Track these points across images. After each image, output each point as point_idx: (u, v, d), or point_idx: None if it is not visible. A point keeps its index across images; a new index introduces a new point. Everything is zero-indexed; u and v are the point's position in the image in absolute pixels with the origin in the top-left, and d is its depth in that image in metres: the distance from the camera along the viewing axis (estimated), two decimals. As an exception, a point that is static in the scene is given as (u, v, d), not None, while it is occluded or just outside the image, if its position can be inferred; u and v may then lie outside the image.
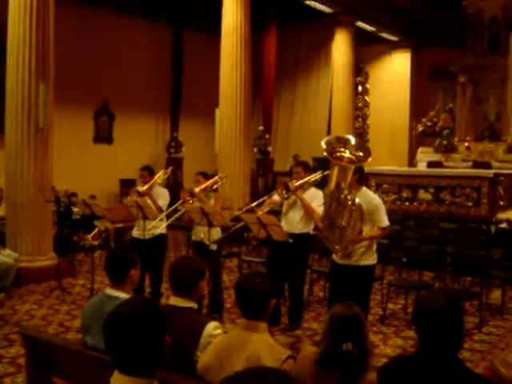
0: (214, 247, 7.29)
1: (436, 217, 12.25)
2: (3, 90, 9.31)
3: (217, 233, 7.38)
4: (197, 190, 7.37)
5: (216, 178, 7.74)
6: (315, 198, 6.86)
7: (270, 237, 6.54)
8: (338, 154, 5.34)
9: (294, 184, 6.80)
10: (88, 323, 3.73)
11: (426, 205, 13.15)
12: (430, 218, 11.94)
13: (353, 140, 5.52)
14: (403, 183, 13.62)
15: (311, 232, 7.07)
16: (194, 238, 7.66)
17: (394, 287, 8.25)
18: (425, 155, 17.02)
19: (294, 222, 6.81)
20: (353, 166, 5.39)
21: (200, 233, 7.29)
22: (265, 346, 3.05)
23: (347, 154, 5.34)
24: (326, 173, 6.97)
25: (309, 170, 7.15)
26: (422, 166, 16.30)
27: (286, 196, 6.86)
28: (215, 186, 7.73)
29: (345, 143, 5.44)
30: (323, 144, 5.38)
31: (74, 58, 14.15)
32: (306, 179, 6.91)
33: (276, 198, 7.11)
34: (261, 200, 7.53)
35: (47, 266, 9.18)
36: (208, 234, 6.98)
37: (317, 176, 7.01)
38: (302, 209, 6.85)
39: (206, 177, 7.69)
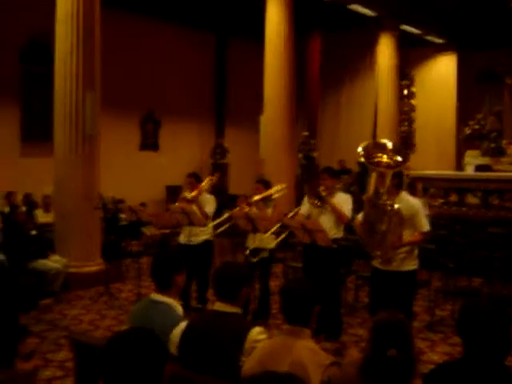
0: (265, 254, 7.30)
1: (484, 221, 12.05)
2: (52, 98, 9.50)
3: (270, 241, 7.38)
4: (255, 198, 7.37)
5: (276, 187, 7.76)
6: (345, 203, 6.89)
7: (315, 242, 6.52)
8: (376, 160, 5.30)
9: (322, 191, 6.80)
10: None
11: (474, 209, 12.93)
12: (478, 223, 11.75)
13: (390, 144, 5.47)
14: (450, 187, 13.43)
15: (341, 237, 7.06)
16: (247, 244, 7.59)
17: (441, 293, 8.14)
18: (472, 158, 16.71)
19: (326, 229, 6.71)
20: (391, 171, 5.34)
21: (256, 240, 7.29)
22: (308, 352, 3.04)
23: (385, 159, 5.30)
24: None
25: (335, 175, 7.19)
26: (470, 170, 16.01)
27: (319, 205, 6.86)
28: (274, 196, 7.72)
29: (382, 148, 5.39)
30: (360, 150, 5.34)
31: (119, 66, 14.34)
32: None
33: (303, 211, 7.11)
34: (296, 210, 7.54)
35: (95, 271, 9.31)
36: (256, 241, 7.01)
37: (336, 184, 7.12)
38: (333, 214, 6.83)
39: (266, 185, 7.70)
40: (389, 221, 5.41)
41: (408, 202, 5.81)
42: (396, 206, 5.42)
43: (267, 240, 7.31)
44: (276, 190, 7.73)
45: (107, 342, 2.23)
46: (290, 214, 7.55)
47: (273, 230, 7.17)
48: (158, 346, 2.24)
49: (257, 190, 7.55)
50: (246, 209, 7.31)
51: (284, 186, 8.21)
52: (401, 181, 5.90)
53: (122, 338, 2.25)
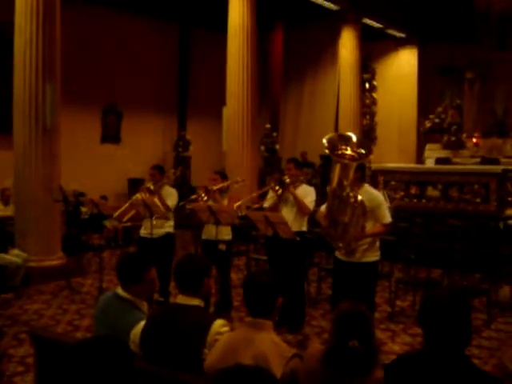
0: (222, 247, 7.32)
1: (444, 214, 12.22)
2: (11, 90, 9.35)
3: (227, 232, 7.41)
4: (214, 187, 7.39)
5: (232, 180, 7.79)
6: (308, 195, 6.90)
7: (278, 235, 6.54)
8: (340, 152, 5.35)
9: (287, 180, 6.81)
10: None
11: (434, 202, 13.11)
12: (438, 215, 11.92)
13: (354, 137, 5.52)
14: (411, 180, 13.58)
15: (305, 230, 7.06)
16: (204, 236, 7.67)
17: (402, 284, 8.24)
18: (433, 152, 16.93)
19: (289, 221, 6.63)
20: (354, 163, 5.39)
21: (211, 231, 7.32)
22: (271, 345, 3.05)
23: (349, 152, 5.35)
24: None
25: (300, 166, 7.20)
26: (430, 163, 16.23)
27: (279, 192, 6.85)
28: (235, 186, 7.78)
29: (346, 140, 5.44)
30: (325, 142, 5.38)
31: (80, 58, 14.19)
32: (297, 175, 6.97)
33: (267, 205, 7.13)
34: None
35: (56, 265, 9.22)
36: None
37: (300, 175, 7.08)
38: (295, 206, 6.85)
39: (224, 177, 7.73)
40: (352, 212, 5.47)
41: (371, 194, 5.88)
42: (359, 197, 5.47)
43: (224, 232, 7.33)
44: (232, 182, 7.75)
45: (71, 349, 2.14)
46: (254, 207, 7.57)
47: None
48: (125, 356, 2.16)
49: (214, 180, 7.57)
50: (205, 197, 7.33)
51: (242, 178, 8.28)
52: (364, 173, 5.97)
53: (87, 347, 2.16)
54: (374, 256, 5.95)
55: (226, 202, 7.48)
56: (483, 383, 2.61)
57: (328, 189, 5.71)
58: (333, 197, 5.51)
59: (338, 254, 6.02)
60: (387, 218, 5.89)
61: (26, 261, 8.51)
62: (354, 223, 5.51)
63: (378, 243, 6.00)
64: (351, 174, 5.39)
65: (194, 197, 7.63)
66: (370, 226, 5.79)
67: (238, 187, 8.64)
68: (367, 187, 5.98)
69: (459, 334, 2.62)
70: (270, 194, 7.11)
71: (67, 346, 2.64)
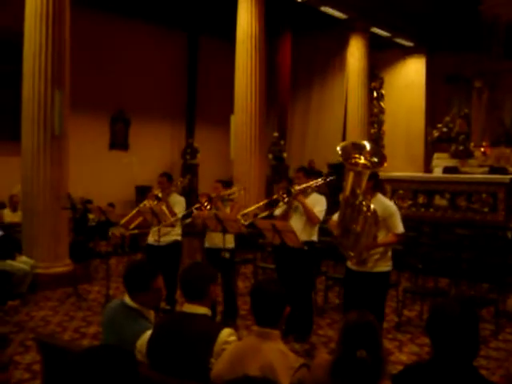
0: (226, 255, 7.30)
1: (452, 223, 12.18)
2: (19, 97, 9.39)
3: (231, 240, 7.41)
4: (214, 195, 7.40)
5: (235, 188, 7.79)
6: (318, 203, 6.84)
7: (285, 243, 6.52)
8: (354, 160, 5.32)
9: (296, 188, 6.79)
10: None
11: (441, 211, 13.07)
12: (446, 225, 11.88)
13: (368, 146, 5.50)
14: (419, 189, 13.56)
15: (316, 239, 7.02)
16: (207, 244, 7.67)
17: (409, 294, 8.21)
18: (441, 161, 16.90)
19: (297, 231, 6.55)
20: (368, 171, 5.37)
21: (214, 239, 7.32)
22: (278, 355, 3.04)
23: (362, 160, 5.32)
24: (329, 179, 7.01)
25: (310, 175, 7.14)
26: (438, 172, 16.19)
27: (286, 200, 6.82)
28: (232, 196, 7.77)
29: (360, 149, 5.42)
30: (339, 150, 5.37)
31: (89, 65, 14.25)
32: (307, 184, 6.89)
33: (277, 213, 7.09)
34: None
35: (63, 272, 9.22)
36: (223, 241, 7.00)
37: (318, 182, 6.99)
38: (304, 216, 6.82)
39: (225, 185, 7.73)
40: (364, 222, 5.43)
41: (383, 203, 5.85)
42: (372, 206, 5.45)
43: (227, 240, 7.32)
44: (233, 191, 7.76)
45: (75, 358, 2.14)
46: (262, 215, 7.55)
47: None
48: (129, 365, 2.16)
49: (216, 189, 7.58)
50: (208, 206, 7.33)
51: (243, 187, 8.29)
52: (377, 182, 5.92)
53: (91, 356, 2.15)
54: (385, 266, 5.90)
55: (228, 210, 7.48)
56: (492, 395, 2.60)
57: (341, 197, 5.68)
58: (345, 205, 5.48)
59: (349, 263, 5.98)
60: (400, 228, 5.85)
61: (33, 267, 8.51)
62: (366, 232, 5.47)
63: (390, 253, 5.95)
64: (364, 182, 5.36)
65: (197, 205, 7.62)
66: (382, 236, 5.76)
67: (244, 196, 8.66)
68: (380, 196, 5.96)
69: (468, 344, 2.60)
70: (281, 202, 7.08)
71: (73, 354, 2.63)
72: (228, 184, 7.87)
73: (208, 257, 7.57)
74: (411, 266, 8.74)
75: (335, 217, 5.89)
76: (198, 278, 3.50)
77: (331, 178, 7.24)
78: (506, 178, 13.09)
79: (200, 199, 7.60)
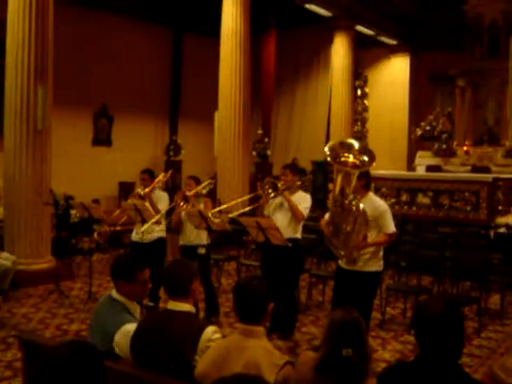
0: (202, 251, 7.31)
1: (435, 221, 12.23)
2: (2, 91, 9.30)
3: (205, 237, 7.38)
4: (189, 193, 7.36)
5: (205, 182, 7.75)
6: (303, 201, 6.85)
7: (269, 241, 6.50)
8: (342, 159, 5.27)
9: (281, 185, 6.78)
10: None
11: (424, 209, 13.12)
12: (429, 223, 11.93)
13: (356, 144, 5.43)
14: (402, 187, 13.59)
15: (300, 237, 7.02)
16: (181, 242, 7.66)
17: (392, 292, 8.23)
18: (424, 159, 16.97)
19: (282, 228, 6.56)
20: (357, 170, 5.33)
21: (189, 237, 7.34)
22: (262, 352, 3.02)
23: (351, 159, 5.28)
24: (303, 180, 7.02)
25: (296, 172, 7.13)
26: (420, 170, 16.27)
27: (272, 195, 6.81)
28: (204, 191, 7.74)
29: (348, 148, 5.38)
30: (327, 150, 5.32)
31: (72, 61, 14.13)
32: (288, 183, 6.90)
33: (267, 212, 7.06)
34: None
35: (45, 268, 9.15)
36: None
37: (296, 181, 7.01)
38: (289, 212, 6.81)
39: (198, 181, 7.70)
40: (354, 221, 5.39)
41: (375, 202, 5.81)
42: (361, 206, 5.41)
43: (202, 236, 7.32)
44: (204, 185, 7.73)
45: (45, 354, 2.28)
46: (242, 211, 7.56)
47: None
48: (92, 359, 2.27)
49: (189, 185, 7.57)
50: (184, 205, 7.31)
51: (213, 180, 8.41)
52: (368, 181, 5.88)
53: (56, 352, 2.27)
54: (376, 266, 5.85)
55: (202, 206, 7.47)
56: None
57: (330, 196, 5.65)
58: (335, 205, 5.45)
59: (340, 262, 5.95)
60: (391, 227, 5.81)
61: (15, 264, 8.44)
62: (355, 232, 5.43)
63: (381, 253, 5.90)
64: (354, 181, 5.30)
65: (172, 204, 7.61)
66: (373, 235, 5.71)
67: (228, 193, 8.60)
68: (371, 195, 5.92)
69: (453, 343, 2.60)
70: (267, 204, 7.04)
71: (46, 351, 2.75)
72: (199, 181, 7.81)
73: (183, 254, 7.53)
74: (394, 264, 8.78)
75: (326, 216, 5.86)
76: (181, 274, 3.49)
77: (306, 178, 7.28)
78: (488, 176, 13.17)
79: (175, 198, 7.55)
